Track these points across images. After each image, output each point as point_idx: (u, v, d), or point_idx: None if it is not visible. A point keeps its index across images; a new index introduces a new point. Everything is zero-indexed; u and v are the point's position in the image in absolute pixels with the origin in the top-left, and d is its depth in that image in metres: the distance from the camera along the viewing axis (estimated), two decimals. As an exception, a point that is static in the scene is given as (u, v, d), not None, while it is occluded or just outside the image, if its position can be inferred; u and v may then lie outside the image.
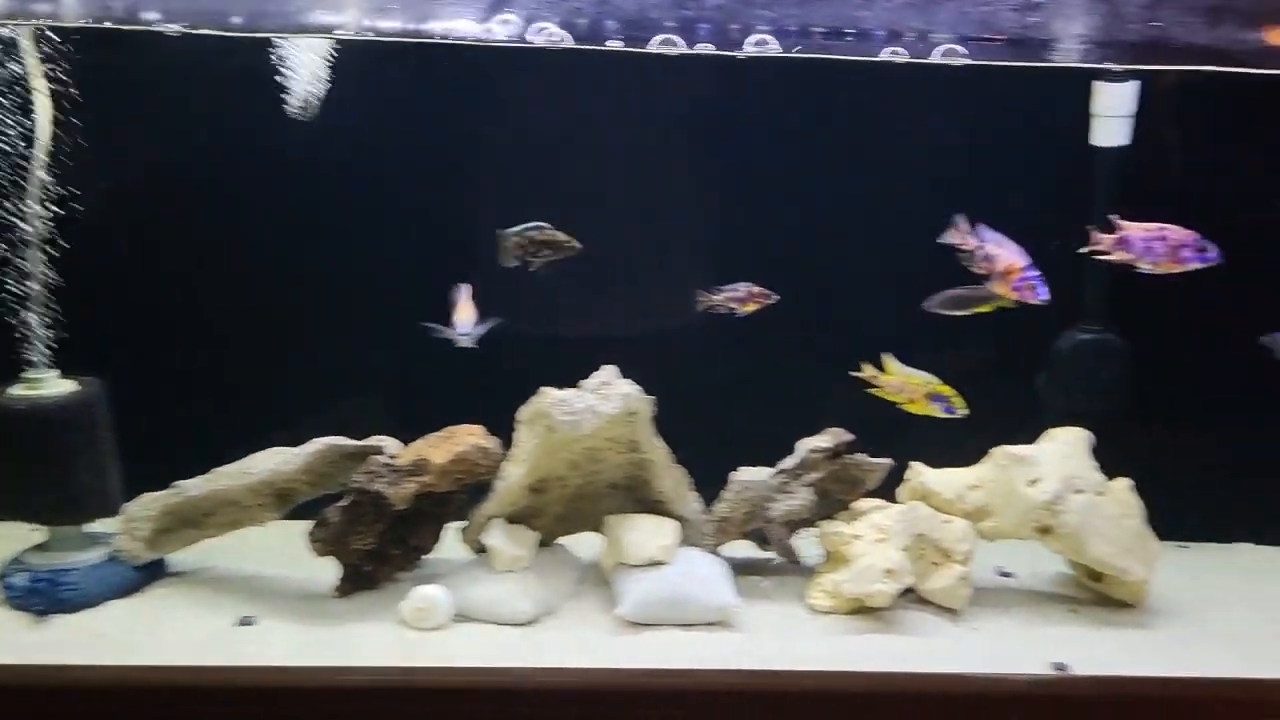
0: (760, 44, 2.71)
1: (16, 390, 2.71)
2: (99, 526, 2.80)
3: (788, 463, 2.83)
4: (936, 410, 2.82)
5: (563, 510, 2.86)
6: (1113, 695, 2.46)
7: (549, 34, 2.63)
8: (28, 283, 2.70)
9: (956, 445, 2.85)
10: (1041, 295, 2.68)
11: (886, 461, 2.83)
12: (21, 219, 2.68)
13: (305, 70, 2.76)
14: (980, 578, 2.81)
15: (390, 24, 2.69)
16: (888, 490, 2.86)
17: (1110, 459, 2.81)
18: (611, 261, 3.00)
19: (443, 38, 2.68)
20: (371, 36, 2.68)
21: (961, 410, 2.81)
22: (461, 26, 2.68)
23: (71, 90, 2.70)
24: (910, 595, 2.72)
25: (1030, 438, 2.84)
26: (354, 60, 2.80)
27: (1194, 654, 2.59)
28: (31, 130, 2.67)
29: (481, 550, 2.75)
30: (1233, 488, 3.11)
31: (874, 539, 2.71)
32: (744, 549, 2.89)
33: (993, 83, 2.72)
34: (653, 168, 3.14)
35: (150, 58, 2.68)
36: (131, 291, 3.06)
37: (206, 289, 3.11)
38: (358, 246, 3.09)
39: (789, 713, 2.45)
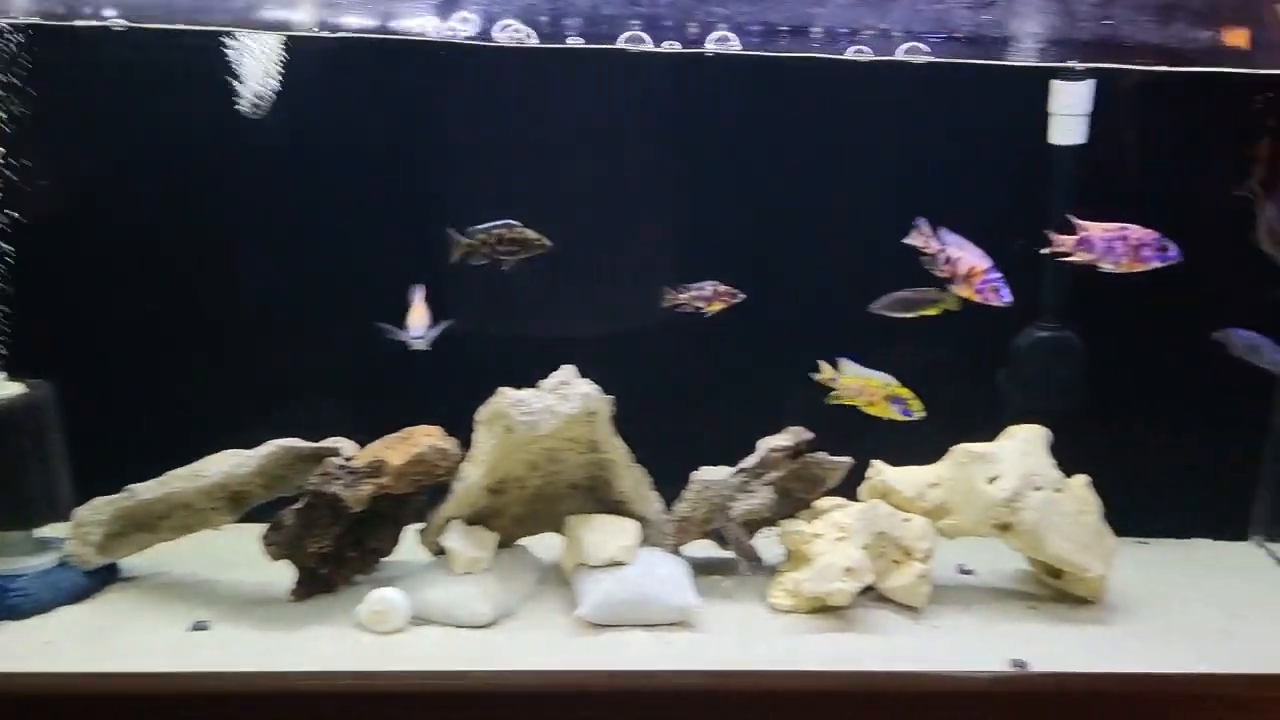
0: (722, 40, 2.70)
1: (-37, 393, 2.67)
2: (49, 531, 2.76)
3: (748, 462, 2.82)
4: (894, 412, 2.83)
5: (522, 511, 2.84)
6: (1071, 691, 2.46)
7: (513, 31, 2.61)
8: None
9: (917, 443, 2.85)
10: (1004, 297, 2.71)
11: (847, 460, 2.83)
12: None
13: (257, 67, 2.73)
14: (941, 575, 2.82)
15: (346, 20, 2.67)
16: (849, 488, 2.86)
17: (1069, 456, 2.82)
18: (570, 260, 2.98)
19: (404, 35, 2.66)
20: (327, 34, 2.66)
21: (918, 413, 2.83)
22: (422, 24, 2.66)
23: (19, 87, 2.65)
24: (871, 593, 2.72)
25: (990, 435, 2.85)
26: (306, 57, 2.77)
27: (1152, 649, 2.61)
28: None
29: (440, 552, 2.73)
30: (1190, 484, 3.14)
31: (834, 538, 2.71)
32: (705, 548, 2.88)
33: (949, 82, 2.73)
34: (614, 165, 3.12)
35: (97, 54, 2.64)
36: (81, 292, 3.01)
37: (158, 289, 3.06)
38: (313, 245, 3.05)
39: (749, 713, 2.44)
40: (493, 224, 2.79)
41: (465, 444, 2.73)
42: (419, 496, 2.77)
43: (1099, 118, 2.93)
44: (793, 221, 3.10)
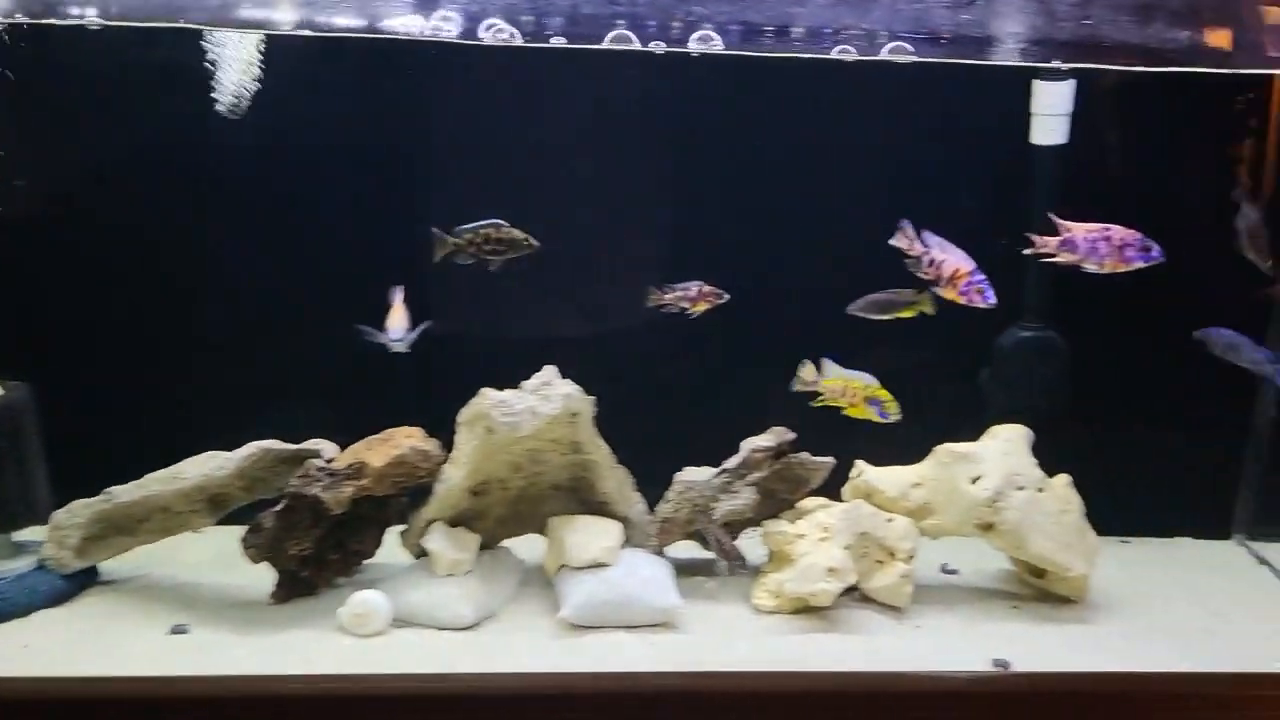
0: (705, 40, 2.70)
1: (-61, 396, 2.65)
2: (26, 535, 2.75)
3: (731, 462, 2.81)
4: (872, 414, 2.83)
5: (505, 512, 2.83)
6: (1053, 691, 2.46)
7: (497, 30, 2.60)
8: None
9: (901, 443, 2.85)
10: (989, 299, 2.72)
11: (830, 460, 2.83)
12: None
13: (235, 66, 2.71)
14: (924, 575, 2.82)
15: (327, 19, 2.65)
16: (832, 489, 2.86)
17: (1051, 455, 2.82)
18: (553, 260, 2.97)
19: (390, 34, 2.64)
20: (308, 32, 2.64)
21: (894, 415, 2.83)
22: (404, 23, 2.65)
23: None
24: (854, 594, 2.72)
25: (973, 435, 2.85)
26: (286, 56, 2.75)
27: (1135, 648, 2.61)
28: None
29: (422, 554, 2.72)
30: (1172, 483, 3.14)
31: (817, 538, 2.71)
32: (689, 549, 2.87)
33: (930, 82, 2.73)
34: (597, 165, 3.11)
35: (74, 52, 2.63)
36: (59, 293, 2.99)
37: (136, 291, 3.03)
38: (294, 246, 3.03)
39: (732, 714, 2.44)
40: (479, 223, 2.78)
41: (447, 445, 2.72)
42: (400, 498, 2.76)
43: (1081, 117, 2.93)
44: (776, 222, 3.10)
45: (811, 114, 3.01)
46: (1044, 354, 3.11)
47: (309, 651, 2.50)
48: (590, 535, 2.71)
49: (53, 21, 2.52)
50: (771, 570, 2.76)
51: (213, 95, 2.74)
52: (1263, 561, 3.11)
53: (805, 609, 2.68)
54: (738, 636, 2.61)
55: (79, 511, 2.69)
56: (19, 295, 2.66)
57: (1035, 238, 2.73)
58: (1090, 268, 2.72)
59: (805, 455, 2.81)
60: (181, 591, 2.73)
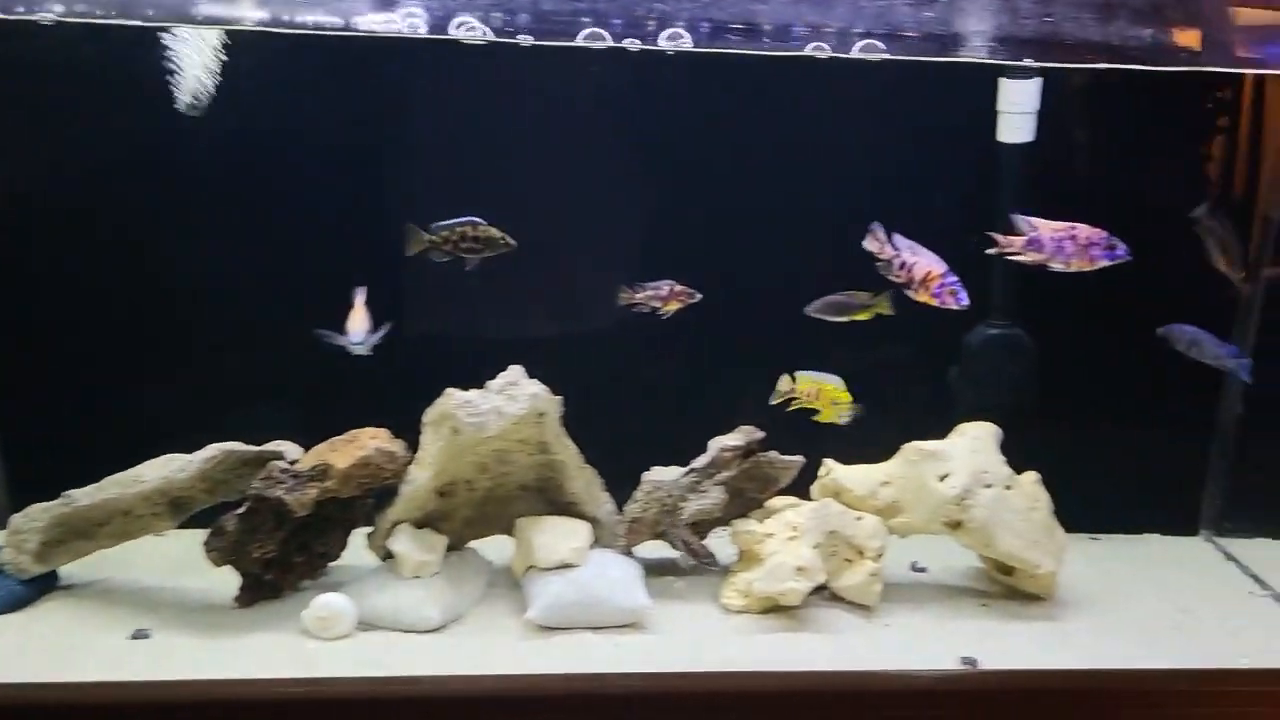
0: (675, 38, 2.68)
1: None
2: (-16, 539, 2.69)
3: (699, 462, 2.80)
4: (835, 416, 2.83)
5: (472, 513, 2.80)
6: (1022, 688, 2.47)
7: (469, 28, 2.58)
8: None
9: (870, 441, 2.85)
10: (962, 300, 2.71)
11: (798, 459, 2.82)
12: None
13: (195, 64, 2.67)
14: (893, 573, 2.81)
15: (292, 15, 2.62)
16: (801, 487, 2.85)
17: (1019, 452, 2.83)
18: (523, 259, 2.95)
19: (357, 31, 2.62)
20: (273, 29, 2.61)
21: (848, 416, 2.83)
22: (369, 20, 2.62)
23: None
24: (823, 593, 2.71)
25: (942, 433, 2.85)
26: (248, 53, 2.72)
27: (1103, 645, 2.61)
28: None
29: (388, 556, 2.69)
30: (1140, 479, 3.16)
31: (786, 537, 2.70)
32: (657, 549, 2.86)
33: (897, 80, 2.73)
34: (568, 163, 3.09)
35: (27, 50, 2.59)
36: (15, 295, 2.94)
37: (96, 291, 2.99)
38: (257, 246, 2.99)
39: (701, 714, 2.43)
40: (456, 221, 2.75)
41: (413, 446, 2.69)
42: (366, 500, 2.73)
43: (1047, 115, 2.94)
44: (745, 221, 3.09)
45: (779, 113, 3.00)
46: (1012, 352, 3.11)
47: (273, 655, 2.47)
48: (558, 536, 2.69)
49: (5, 17, 2.48)
50: (740, 570, 2.75)
51: (173, 93, 2.71)
52: (1230, 557, 3.12)
53: (774, 608, 2.67)
54: (707, 636, 2.59)
55: (37, 515, 2.65)
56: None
57: (999, 237, 2.74)
58: (1056, 266, 2.72)
59: (774, 454, 2.81)
60: (143, 596, 2.70)
